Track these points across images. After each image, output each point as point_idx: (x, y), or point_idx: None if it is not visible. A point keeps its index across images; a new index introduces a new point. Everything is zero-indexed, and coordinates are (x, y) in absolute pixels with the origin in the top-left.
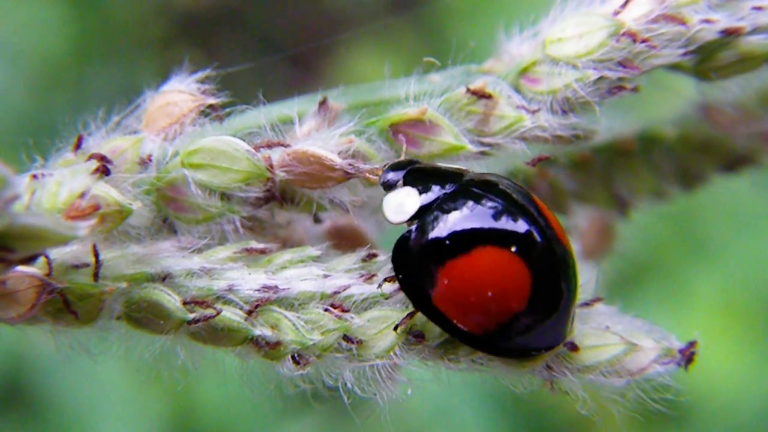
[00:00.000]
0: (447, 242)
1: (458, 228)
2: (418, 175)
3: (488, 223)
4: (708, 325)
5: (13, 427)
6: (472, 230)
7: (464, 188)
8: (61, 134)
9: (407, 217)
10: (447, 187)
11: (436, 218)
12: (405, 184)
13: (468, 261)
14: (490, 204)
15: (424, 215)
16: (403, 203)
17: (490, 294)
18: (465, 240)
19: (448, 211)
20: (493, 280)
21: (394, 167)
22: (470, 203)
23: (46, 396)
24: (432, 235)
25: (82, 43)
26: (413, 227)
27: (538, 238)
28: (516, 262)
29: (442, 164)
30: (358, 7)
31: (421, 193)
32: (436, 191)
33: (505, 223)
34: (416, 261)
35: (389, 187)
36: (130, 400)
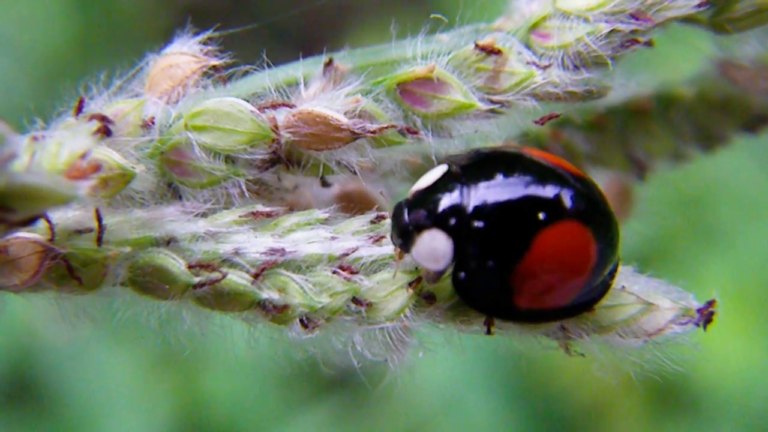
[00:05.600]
0: (505, 248)
1: (503, 229)
2: (420, 209)
3: (530, 201)
4: (719, 313)
5: (20, 421)
6: (520, 218)
7: (468, 182)
8: (63, 99)
9: (448, 260)
10: (455, 195)
11: (480, 237)
12: (418, 229)
13: (536, 251)
14: (512, 181)
15: (464, 245)
16: (433, 250)
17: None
18: (520, 233)
19: (483, 221)
20: (568, 255)
21: (398, 225)
22: (489, 196)
23: (54, 390)
24: (483, 259)
25: (86, 36)
26: (459, 267)
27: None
28: (576, 228)
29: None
30: None
31: (439, 224)
32: (452, 210)
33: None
34: (485, 284)
35: (408, 242)
36: (138, 394)
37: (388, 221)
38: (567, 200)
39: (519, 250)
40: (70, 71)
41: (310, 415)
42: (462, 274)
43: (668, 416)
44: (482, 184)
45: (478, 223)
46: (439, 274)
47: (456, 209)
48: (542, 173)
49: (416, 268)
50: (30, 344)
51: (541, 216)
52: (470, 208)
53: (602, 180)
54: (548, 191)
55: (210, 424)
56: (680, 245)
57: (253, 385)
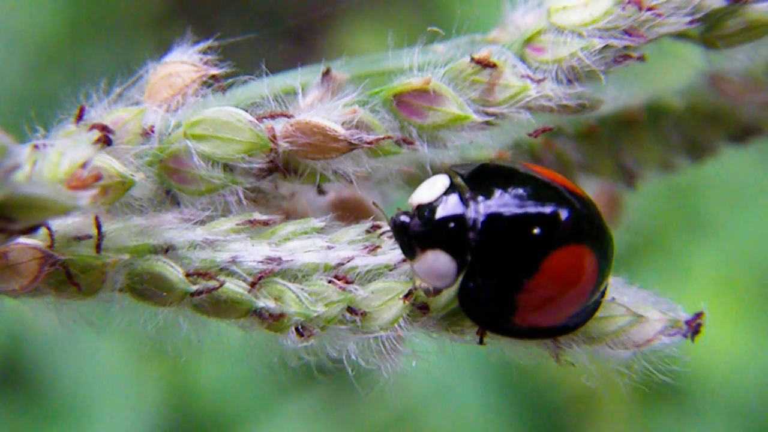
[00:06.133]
0: (511, 272)
1: (508, 248)
2: (425, 227)
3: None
4: (706, 301)
5: (9, 407)
6: (522, 242)
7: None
8: (63, 106)
9: (451, 280)
10: (463, 217)
11: (487, 260)
12: (422, 247)
13: (543, 275)
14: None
15: (470, 265)
16: (435, 269)
17: (571, 288)
18: (528, 258)
19: (491, 236)
20: (572, 277)
21: (401, 241)
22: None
23: (44, 377)
24: (489, 276)
25: (77, 22)
26: (465, 281)
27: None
28: (578, 250)
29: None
30: None
31: (445, 246)
32: (460, 233)
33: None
34: (488, 301)
35: (411, 256)
36: (128, 380)
37: (383, 230)
38: (573, 223)
39: (526, 273)
40: (61, 56)
41: (298, 402)
42: (467, 287)
43: (656, 404)
44: (491, 206)
45: (486, 246)
46: (438, 290)
47: (463, 231)
48: (548, 194)
49: (410, 278)
50: (19, 330)
51: (549, 239)
52: (479, 231)
53: (592, 188)
54: (556, 213)
55: (198, 411)
56: (668, 233)
57: (242, 372)
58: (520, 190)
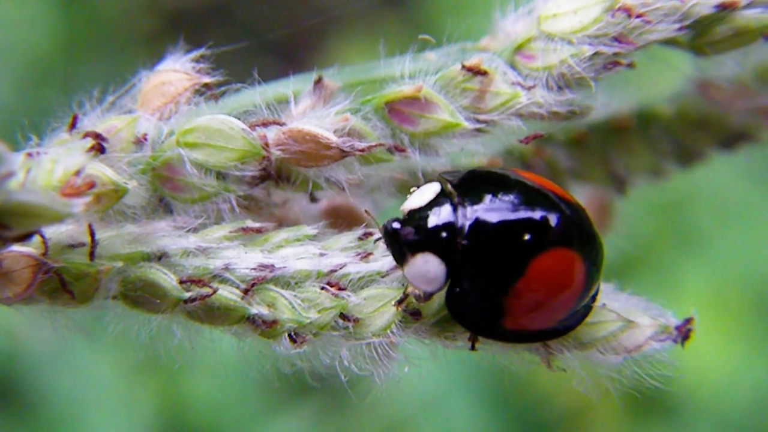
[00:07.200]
0: (499, 274)
1: (495, 253)
2: (414, 231)
3: (523, 228)
4: (697, 317)
5: (3, 423)
6: (511, 247)
7: (463, 207)
8: (56, 116)
9: (441, 282)
10: (451, 220)
11: (475, 263)
12: (412, 251)
13: (530, 277)
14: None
15: (458, 268)
16: (425, 273)
17: (559, 291)
18: (515, 260)
19: (477, 240)
20: (559, 280)
21: (391, 245)
22: (484, 220)
23: (37, 394)
24: (475, 278)
25: (70, 39)
26: (453, 285)
27: (567, 217)
28: (565, 253)
29: (414, 202)
30: (349, 1)
31: (433, 249)
32: (448, 235)
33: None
34: (476, 305)
35: (401, 261)
36: (121, 397)
37: (376, 237)
38: (559, 227)
39: (513, 276)
40: (54, 73)
41: (291, 416)
42: (454, 293)
43: (647, 419)
44: (478, 210)
45: (473, 250)
46: (429, 295)
47: (451, 235)
48: (535, 199)
49: (402, 284)
50: (11, 347)
51: (535, 243)
52: (466, 235)
53: (583, 195)
54: (542, 218)
55: (191, 425)
56: (659, 251)
57: (235, 387)
58: (508, 195)
